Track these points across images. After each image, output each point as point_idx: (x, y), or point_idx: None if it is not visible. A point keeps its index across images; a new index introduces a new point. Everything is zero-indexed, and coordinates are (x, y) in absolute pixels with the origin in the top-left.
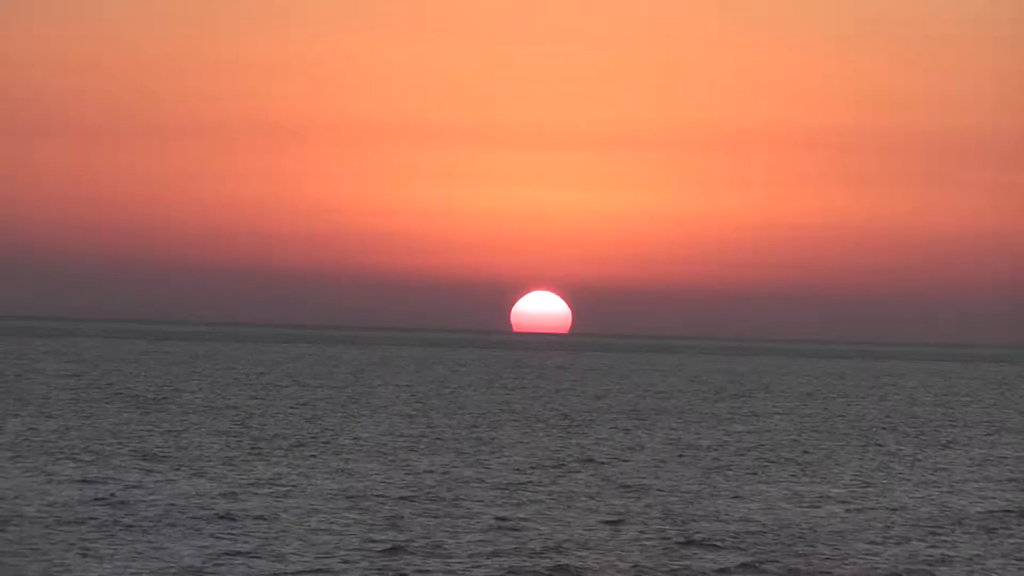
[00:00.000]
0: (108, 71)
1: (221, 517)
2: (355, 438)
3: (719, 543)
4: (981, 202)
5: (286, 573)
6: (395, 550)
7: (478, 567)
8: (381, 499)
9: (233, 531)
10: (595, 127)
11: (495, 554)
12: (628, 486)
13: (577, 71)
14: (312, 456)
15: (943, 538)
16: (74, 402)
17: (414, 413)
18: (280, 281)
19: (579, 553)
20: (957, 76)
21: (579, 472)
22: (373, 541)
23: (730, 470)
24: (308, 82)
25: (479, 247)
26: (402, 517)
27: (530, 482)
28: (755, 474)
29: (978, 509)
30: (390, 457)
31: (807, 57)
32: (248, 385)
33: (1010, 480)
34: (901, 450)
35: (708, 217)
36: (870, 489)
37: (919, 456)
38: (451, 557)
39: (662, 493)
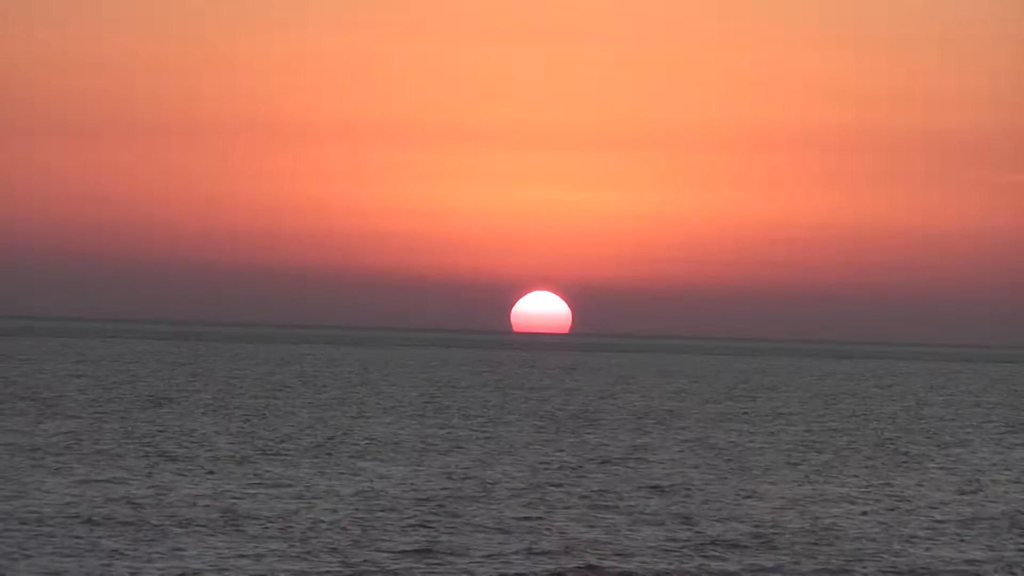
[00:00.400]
0: (108, 71)
1: (237, 518)
2: (369, 438)
3: (741, 543)
4: (981, 202)
5: (310, 574)
6: (418, 552)
7: (502, 570)
8: (400, 500)
9: (249, 532)
10: (595, 127)
11: (517, 554)
12: (646, 486)
13: (577, 71)
14: (328, 455)
15: (963, 539)
16: (83, 403)
17: (425, 414)
18: (280, 281)
19: (602, 553)
20: (956, 76)
21: (596, 473)
22: (394, 542)
23: (746, 470)
24: (307, 82)
25: (479, 247)
26: (423, 518)
27: (548, 483)
28: (772, 473)
29: (1000, 509)
30: (406, 458)
31: (807, 57)
32: (256, 385)
33: None
34: (916, 450)
35: (708, 217)
36: (888, 489)
37: (934, 456)
38: (474, 559)
39: (681, 493)
